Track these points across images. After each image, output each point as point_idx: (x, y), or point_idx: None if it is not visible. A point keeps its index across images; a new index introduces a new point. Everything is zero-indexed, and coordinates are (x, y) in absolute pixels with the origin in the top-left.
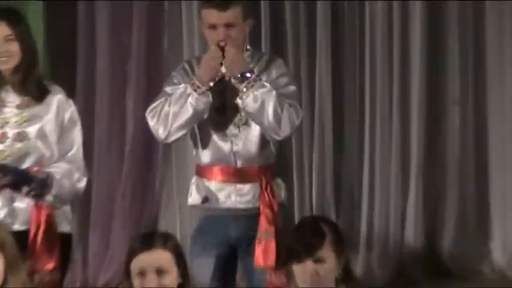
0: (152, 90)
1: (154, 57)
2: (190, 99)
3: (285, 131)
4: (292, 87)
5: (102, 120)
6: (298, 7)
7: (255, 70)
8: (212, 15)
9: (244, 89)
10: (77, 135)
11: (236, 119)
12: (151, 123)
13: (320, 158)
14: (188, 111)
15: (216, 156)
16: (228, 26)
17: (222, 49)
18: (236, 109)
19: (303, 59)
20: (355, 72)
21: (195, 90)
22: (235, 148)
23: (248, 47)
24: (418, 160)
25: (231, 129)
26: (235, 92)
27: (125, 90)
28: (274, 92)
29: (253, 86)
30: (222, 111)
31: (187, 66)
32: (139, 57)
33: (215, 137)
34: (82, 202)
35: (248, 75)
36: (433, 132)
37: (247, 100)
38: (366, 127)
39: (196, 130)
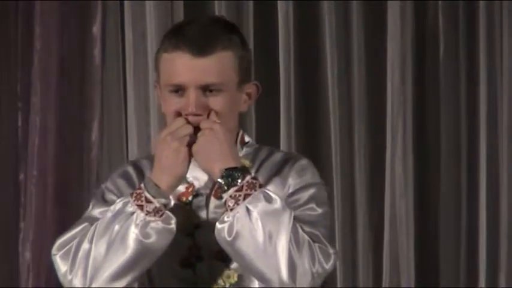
0: None
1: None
2: (132, 226)
3: (303, 285)
4: (319, 210)
5: None
6: None
7: (254, 173)
8: (180, 65)
9: (231, 203)
10: None
11: (218, 273)
12: (62, 268)
13: None
14: (127, 248)
15: None
16: (207, 88)
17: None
18: (218, 253)
19: None
20: None
21: (142, 208)
22: None
23: (247, 139)
24: None
25: None
26: (214, 218)
27: None
28: (289, 213)
29: (249, 196)
30: (190, 257)
31: (131, 170)
32: None
33: None
34: None
35: (238, 175)
36: None
37: (238, 225)
38: None
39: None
